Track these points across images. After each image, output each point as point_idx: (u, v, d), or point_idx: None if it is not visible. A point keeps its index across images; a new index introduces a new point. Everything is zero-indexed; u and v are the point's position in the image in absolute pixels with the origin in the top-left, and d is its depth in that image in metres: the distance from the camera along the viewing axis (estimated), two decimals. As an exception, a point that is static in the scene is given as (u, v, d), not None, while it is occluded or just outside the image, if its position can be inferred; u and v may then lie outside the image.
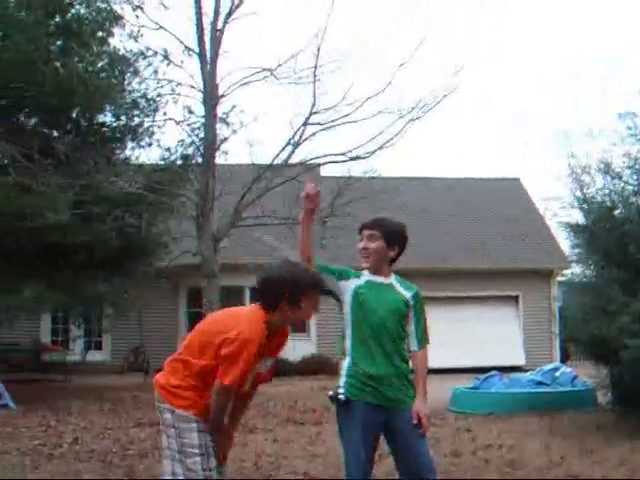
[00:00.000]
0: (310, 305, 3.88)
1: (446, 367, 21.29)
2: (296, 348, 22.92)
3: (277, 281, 3.84)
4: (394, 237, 4.29)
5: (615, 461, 7.27)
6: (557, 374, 12.97)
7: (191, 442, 3.69)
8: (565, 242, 13.70)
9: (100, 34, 15.36)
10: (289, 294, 3.80)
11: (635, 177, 10.83)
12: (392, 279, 4.29)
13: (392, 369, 4.08)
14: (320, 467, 7.12)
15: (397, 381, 4.09)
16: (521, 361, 22.73)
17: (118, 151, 16.99)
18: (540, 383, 12.72)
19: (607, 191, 11.47)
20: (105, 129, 16.79)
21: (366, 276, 4.26)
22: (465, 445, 8.56)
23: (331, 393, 4.14)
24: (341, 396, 4.07)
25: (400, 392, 4.08)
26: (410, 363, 4.21)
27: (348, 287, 4.20)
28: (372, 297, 4.17)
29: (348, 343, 4.19)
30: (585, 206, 11.57)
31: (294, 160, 14.54)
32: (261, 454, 7.82)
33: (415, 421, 4.01)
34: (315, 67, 14.41)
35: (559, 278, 24.03)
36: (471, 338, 22.70)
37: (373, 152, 14.39)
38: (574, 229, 11.54)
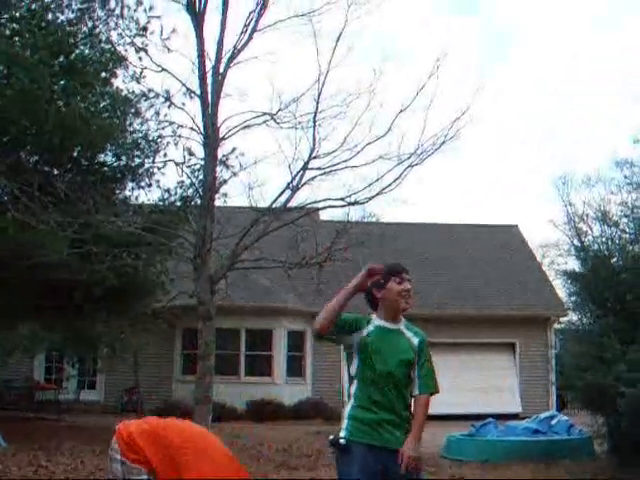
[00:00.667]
0: None
1: (441, 414, 21.08)
2: (291, 392, 22.84)
3: None
4: None
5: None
6: (553, 422, 12.90)
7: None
8: (562, 289, 13.73)
9: (103, 75, 15.47)
10: None
11: (632, 225, 10.89)
12: (401, 324, 4.32)
13: (393, 415, 4.10)
14: (313, 512, 7.05)
15: (396, 426, 4.09)
16: (517, 409, 22.59)
17: (118, 191, 17.02)
18: (536, 431, 12.65)
19: (604, 239, 11.54)
20: (105, 169, 16.83)
21: (376, 321, 4.28)
22: (460, 493, 8.49)
23: (332, 437, 4.13)
24: (342, 440, 4.06)
25: (399, 436, 4.07)
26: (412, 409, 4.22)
27: (359, 335, 4.21)
28: (380, 344, 4.19)
29: (353, 387, 4.20)
30: (582, 254, 11.63)
31: (293, 204, 14.58)
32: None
33: (399, 462, 3.96)
34: (315, 113, 14.50)
35: (556, 325, 24.01)
36: (467, 385, 22.56)
37: (372, 197, 14.41)
38: (571, 277, 11.58)
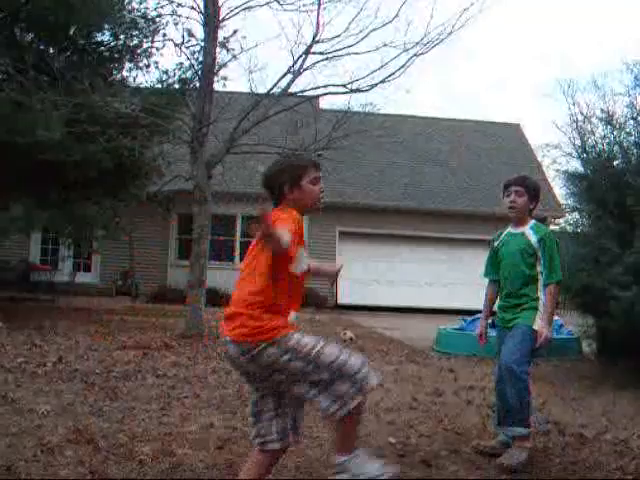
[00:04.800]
0: (311, 182, 3.76)
1: (437, 307, 21.39)
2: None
3: (274, 172, 3.78)
4: (535, 193, 5.38)
5: (596, 410, 7.31)
6: (543, 321, 12.97)
7: (308, 347, 3.52)
8: (560, 190, 13.62)
9: (101, -51, 14.93)
10: (288, 178, 3.72)
11: (638, 128, 10.69)
12: (527, 227, 5.29)
13: (511, 300, 5.27)
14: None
15: (510, 310, 5.28)
16: (509, 306, 22.78)
17: (115, 71, 16.70)
18: (526, 329, 12.75)
19: (607, 141, 11.35)
20: (103, 48, 16.48)
21: (508, 229, 5.45)
22: (447, 385, 8.61)
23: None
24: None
25: (509, 316, 5.28)
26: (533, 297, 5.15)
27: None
28: (505, 247, 5.36)
29: None
30: (584, 155, 11.46)
31: (293, 90, 14.24)
32: (237, 382, 7.82)
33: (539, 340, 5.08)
34: (320, -5, 13.98)
35: (552, 226, 24.00)
36: (464, 280, 22.70)
37: (374, 85, 14.03)
38: (572, 177, 11.44)
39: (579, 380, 9.50)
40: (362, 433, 5.74)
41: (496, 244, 5.47)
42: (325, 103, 20.03)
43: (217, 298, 20.16)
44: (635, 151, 10.62)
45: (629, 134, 10.85)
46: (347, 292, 23.83)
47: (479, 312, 14.67)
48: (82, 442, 5.02)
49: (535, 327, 5.07)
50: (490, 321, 5.76)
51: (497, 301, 5.52)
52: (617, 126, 11.13)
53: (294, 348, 3.51)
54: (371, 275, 23.79)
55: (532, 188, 5.34)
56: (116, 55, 16.47)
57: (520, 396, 4.98)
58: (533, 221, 5.34)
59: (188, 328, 12.61)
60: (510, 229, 5.42)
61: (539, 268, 5.14)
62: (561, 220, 21.30)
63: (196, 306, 12.79)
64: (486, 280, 5.62)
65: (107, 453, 4.80)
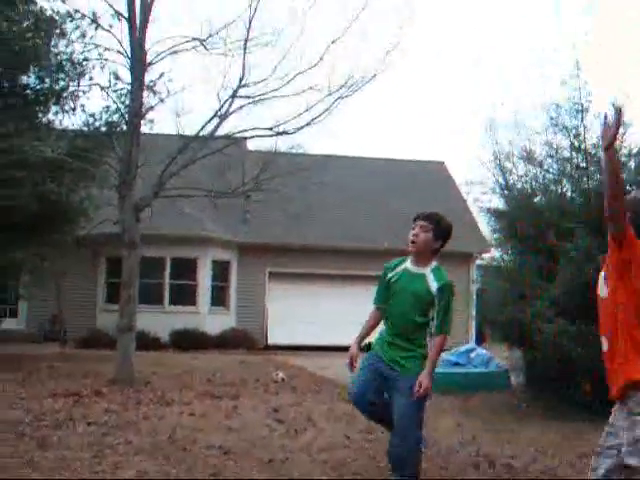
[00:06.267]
0: None
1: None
2: (215, 322, 22.91)
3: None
4: (442, 232, 5.08)
5: (525, 441, 7.48)
6: (472, 355, 13.24)
7: None
8: (485, 226, 13.99)
9: (27, -8, 14.89)
10: None
11: (555, 166, 11.09)
12: (428, 269, 5.04)
13: (400, 341, 5.04)
14: (236, 440, 7.13)
15: (398, 350, 5.04)
16: (438, 341, 23.02)
17: (41, 114, 16.55)
18: (456, 364, 12.98)
19: (528, 178, 11.74)
20: (28, 92, 16.33)
21: (406, 263, 5.20)
22: (380, 423, 8.67)
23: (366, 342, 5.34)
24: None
25: (397, 357, 5.04)
26: (422, 343, 5.02)
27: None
28: (401, 284, 5.11)
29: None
30: (506, 192, 11.83)
31: (220, 132, 14.33)
32: (177, 427, 7.79)
33: (416, 388, 4.80)
34: (246, 40, 14.17)
35: (478, 261, 24.46)
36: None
37: (300, 128, 14.22)
38: (495, 214, 11.78)
39: (508, 412, 9.70)
40: (296, 474, 5.79)
41: (390, 276, 5.21)
42: (252, 145, 20.18)
43: (147, 341, 19.96)
44: (554, 188, 11.00)
45: (547, 171, 11.25)
46: (277, 333, 23.82)
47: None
48: (13, 493, 4.95)
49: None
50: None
51: (382, 329, 5.28)
52: (536, 164, 11.53)
53: None
54: (301, 315, 23.83)
55: (440, 226, 5.07)
56: (42, 98, 16.31)
57: (411, 455, 5.02)
58: (435, 263, 5.11)
59: (118, 373, 12.46)
60: (409, 265, 5.16)
61: (431, 314, 4.96)
62: (486, 255, 21.76)
63: (126, 351, 12.65)
64: None
65: (40, 503, 4.74)
